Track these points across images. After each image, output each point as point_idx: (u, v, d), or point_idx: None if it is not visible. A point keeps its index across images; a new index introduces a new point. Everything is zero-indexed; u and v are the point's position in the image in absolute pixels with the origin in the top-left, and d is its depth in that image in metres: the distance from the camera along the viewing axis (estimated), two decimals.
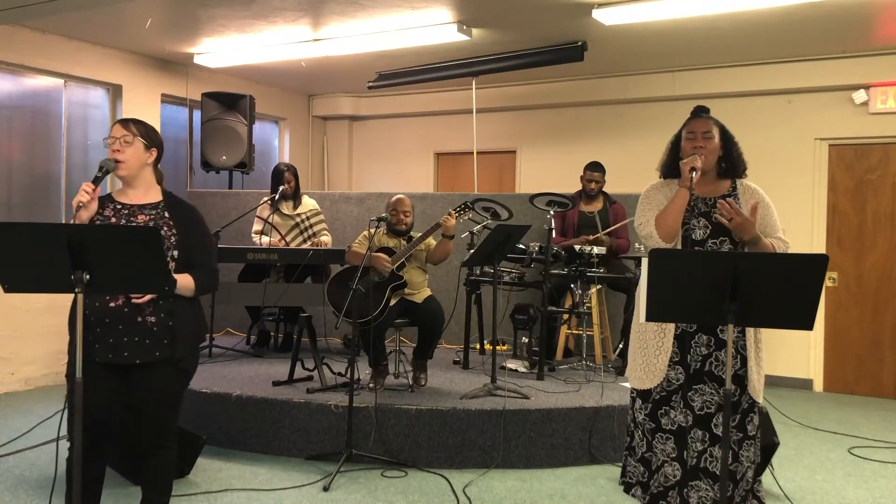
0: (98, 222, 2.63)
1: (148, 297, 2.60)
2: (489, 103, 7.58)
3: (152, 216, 2.72)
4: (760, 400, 2.75)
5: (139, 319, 2.61)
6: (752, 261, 2.26)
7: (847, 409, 5.78)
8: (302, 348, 4.80)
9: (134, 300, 2.59)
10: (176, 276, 2.62)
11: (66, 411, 2.59)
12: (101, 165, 2.66)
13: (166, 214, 2.74)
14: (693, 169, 2.68)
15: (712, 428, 2.68)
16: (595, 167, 5.64)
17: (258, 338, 5.84)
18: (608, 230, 5.41)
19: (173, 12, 5.47)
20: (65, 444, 2.70)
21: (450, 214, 4.36)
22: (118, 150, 2.68)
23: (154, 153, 2.78)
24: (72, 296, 2.49)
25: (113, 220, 2.68)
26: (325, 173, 8.86)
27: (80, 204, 2.53)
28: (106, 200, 2.73)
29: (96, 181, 2.59)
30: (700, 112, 2.87)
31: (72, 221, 2.54)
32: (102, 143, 2.79)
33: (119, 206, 2.72)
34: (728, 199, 2.69)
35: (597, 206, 5.64)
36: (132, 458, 3.58)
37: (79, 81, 6.42)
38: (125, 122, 2.74)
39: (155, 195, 2.79)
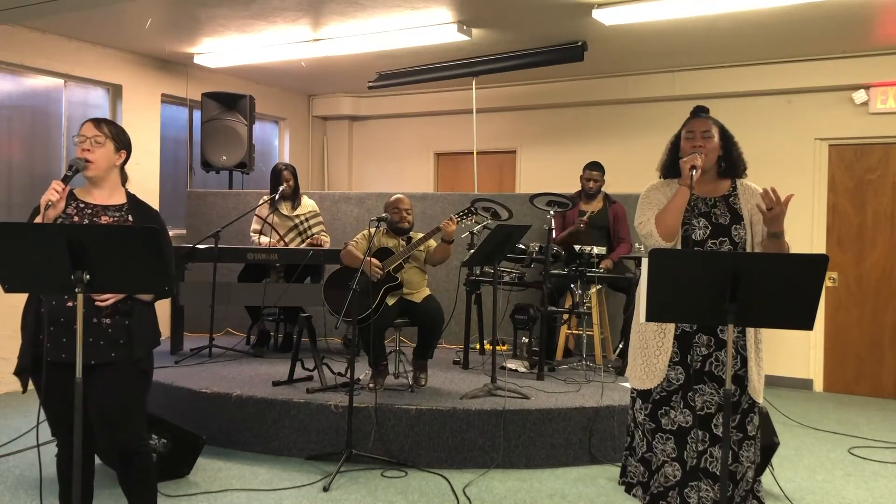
0: (60, 220, 2.60)
1: (112, 300, 2.57)
2: (489, 103, 7.58)
3: (116, 218, 2.71)
4: (760, 400, 2.75)
5: (95, 321, 2.58)
6: (752, 261, 2.26)
7: (847, 409, 5.78)
8: (302, 348, 4.80)
9: (97, 302, 2.56)
10: None
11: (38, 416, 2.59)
12: (71, 164, 2.63)
13: (129, 217, 2.73)
14: (693, 167, 2.68)
15: (712, 428, 2.68)
16: (594, 166, 5.65)
17: (258, 338, 5.84)
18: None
19: (173, 12, 5.47)
20: (46, 450, 2.69)
21: (451, 219, 4.34)
22: (88, 150, 2.66)
23: (123, 155, 2.76)
24: (24, 296, 2.48)
25: (76, 218, 2.66)
26: (325, 173, 8.86)
27: (49, 202, 2.49)
28: (69, 198, 2.69)
29: (65, 180, 2.55)
30: (699, 112, 2.87)
31: (38, 219, 2.50)
32: (72, 140, 2.77)
33: (83, 206, 2.70)
34: (773, 188, 2.65)
35: (596, 205, 5.65)
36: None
37: (79, 81, 6.42)
38: (97, 122, 2.71)
39: (119, 197, 2.77)
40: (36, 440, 2.73)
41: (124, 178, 2.82)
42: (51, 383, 2.55)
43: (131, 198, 2.80)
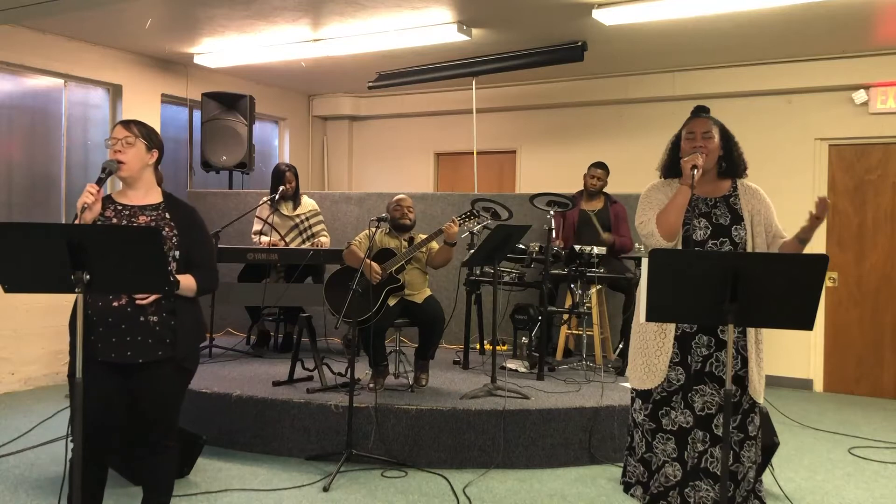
0: (99, 223, 2.64)
1: (152, 297, 2.61)
2: (489, 103, 7.58)
3: (153, 217, 2.74)
4: (761, 400, 2.76)
5: (142, 319, 2.62)
6: (752, 261, 2.26)
7: (847, 409, 5.78)
8: (302, 348, 4.80)
9: (137, 301, 2.60)
10: (178, 276, 2.65)
11: (71, 411, 2.60)
12: (104, 167, 2.67)
13: (167, 215, 2.76)
14: (694, 167, 2.68)
15: (713, 428, 2.68)
16: (600, 165, 5.68)
17: (258, 338, 5.84)
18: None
19: (173, 12, 5.47)
20: (71, 444, 2.69)
21: (453, 221, 4.33)
22: (120, 151, 2.70)
23: (155, 154, 2.79)
24: (73, 296, 2.49)
25: (114, 221, 2.69)
26: (325, 173, 8.86)
27: (85, 205, 2.53)
28: (106, 202, 2.74)
29: (100, 182, 2.60)
30: (700, 112, 2.87)
31: (76, 223, 2.54)
32: (104, 143, 2.80)
33: (120, 207, 2.74)
34: (825, 197, 2.69)
35: (597, 204, 5.65)
36: (133, 458, 3.57)
37: (79, 81, 6.42)
38: (127, 124, 2.76)
39: (155, 196, 2.80)
40: (66, 432, 2.74)
41: (159, 178, 2.86)
42: (93, 382, 2.54)
43: (167, 196, 2.83)
